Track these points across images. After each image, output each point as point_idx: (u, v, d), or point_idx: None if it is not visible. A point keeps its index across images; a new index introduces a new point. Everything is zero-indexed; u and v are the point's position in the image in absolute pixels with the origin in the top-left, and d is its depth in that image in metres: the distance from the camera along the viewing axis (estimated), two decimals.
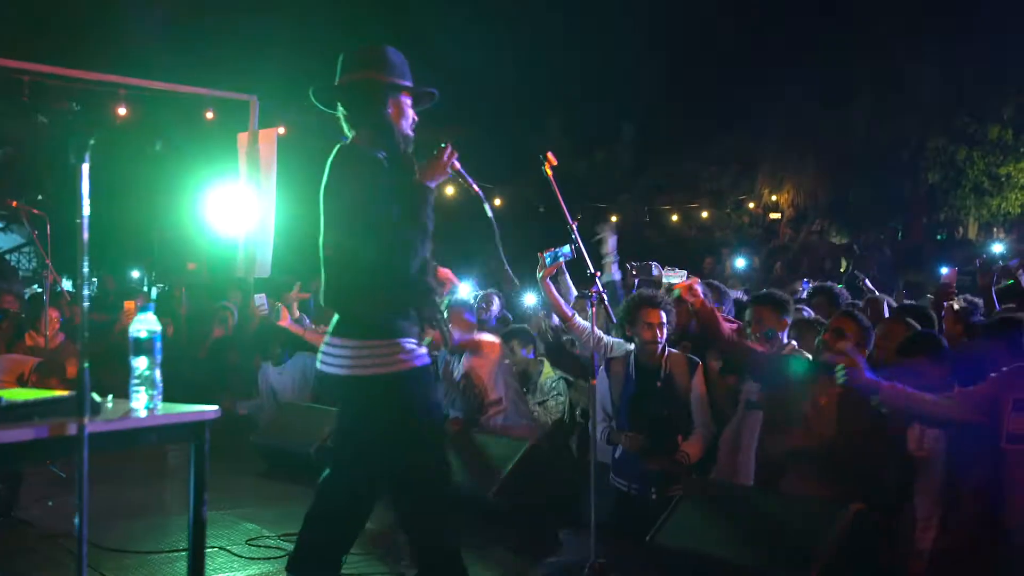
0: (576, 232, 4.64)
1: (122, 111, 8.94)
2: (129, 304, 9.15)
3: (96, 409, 2.58)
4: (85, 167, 2.43)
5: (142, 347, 2.75)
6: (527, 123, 19.84)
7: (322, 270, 3.69)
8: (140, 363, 2.76)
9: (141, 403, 2.77)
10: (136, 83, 9.00)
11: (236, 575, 4.69)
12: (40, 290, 9.79)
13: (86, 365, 2.38)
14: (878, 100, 16.71)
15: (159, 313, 9.31)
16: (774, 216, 18.16)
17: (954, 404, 3.90)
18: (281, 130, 9.45)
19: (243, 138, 9.12)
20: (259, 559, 4.94)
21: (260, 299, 8.58)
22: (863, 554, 4.03)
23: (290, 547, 5.09)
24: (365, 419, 3.64)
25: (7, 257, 19.90)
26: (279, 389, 8.41)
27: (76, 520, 2.40)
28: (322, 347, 3.68)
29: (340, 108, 3.82)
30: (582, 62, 19.91)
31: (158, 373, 2.80)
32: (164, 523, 5.61)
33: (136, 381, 2.77)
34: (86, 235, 2.45)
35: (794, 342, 5.30)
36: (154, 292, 13.31)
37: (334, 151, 3.71)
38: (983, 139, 15.58)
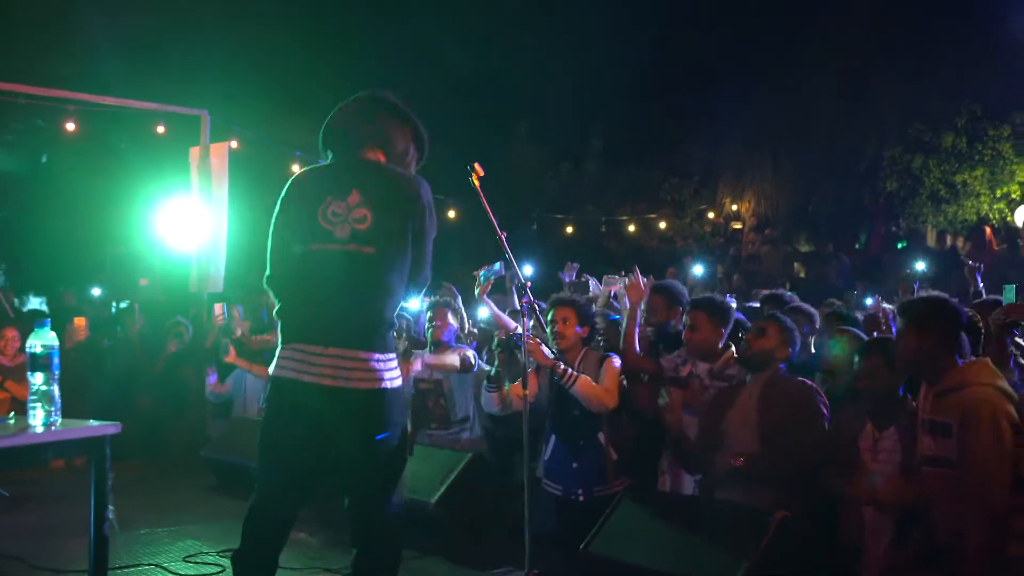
0: (506, 243, 4.66)
1: (71, 126, 8.89)
2: (79, 320, 9.12)
3: None
4: None
5: (38, 363, 2.74)
6: (492, 135, 19.87)
7: (365, 280, 3.51)
8: (37, 379, 2.74)
9: (39, 419, 2.75)
10: (86, 98, 8.94)
11: None
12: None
13: None
14: (836, 109, 16.88)
15: (122, 329, 9.22)
16: (735, 226, 18.29)
17: None
18: (233, 144, 9.42)
19: (195, 152, 9.10)
20: (194, 575, 4.91)
21: (220, 308, 8.57)
22: (792, 562, 4.04)
23: (228, 563, 5.09)
24: (381, 429, 3.50)
25: None
26: (252, 392, 8.31)
27: None
28: (333, 363, 3.41)
29: (384, 136, 3.74)
30: (547, 73, 19.97)
31: (56, 389, 2.78)
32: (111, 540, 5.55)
33: (33, 397, 2.75)
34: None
35: (732, 347, 5.32)
36: (113, 308, 13.24)
37: (404, 175, 3.69)
38: (938, 147, 15.76)
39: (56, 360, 2.76)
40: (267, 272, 3.59)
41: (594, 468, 5.21)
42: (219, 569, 5.01)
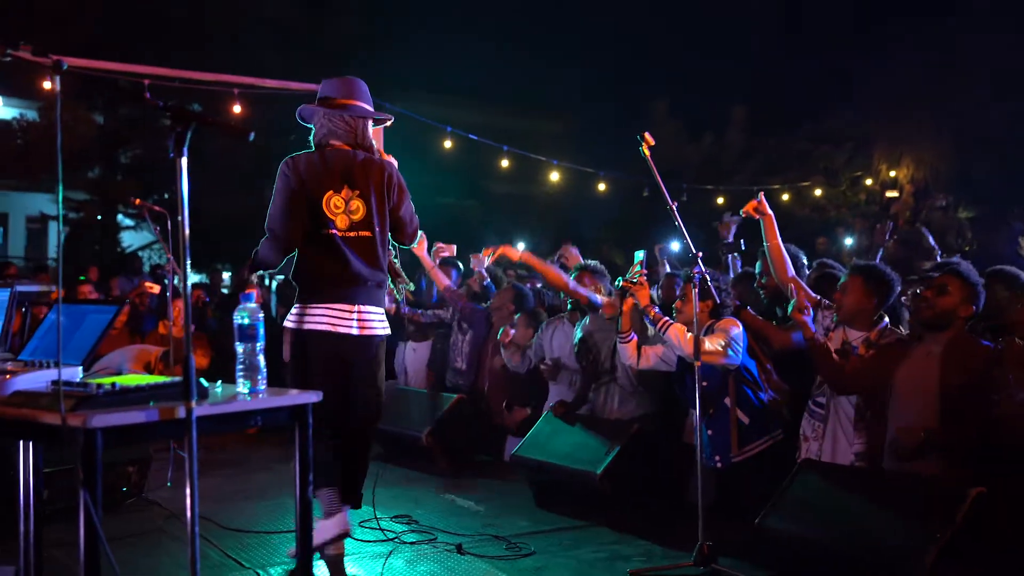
0: (676, 212, 4.60)
1: (237, 109, 9.22)
2: (250, 290, 9.52)
3: (203, 393, 2.69)
4: (184, 160, 2.52)
5: (245, 333, 2.86)
6: (633, 107, 19.72)
7: (366, 256, 4.46)
8: (243, 348, 2.86)
9: (247, 387, 2.88)
10: (249, 82, 9.25)
11: (349, 556, 4.80)
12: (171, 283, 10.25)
13: (191, 353, 2.48)
14: (1000, 65, 15.90)
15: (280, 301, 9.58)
16: (891, 194, 17.47)
17: None
18: (388, 122, 9.54)
19: None
20: (372, 541, 5.07)
21: None
22: (984, 539, 3.87)
23: (401, 528, 5.26)
24: (378, 359, 4.65)
25: (139, 254, 20.89)
26: (412, 369, 8.55)
27: (188, 500, 2.48)
28: (366, 317, 4.45)
29: (351, 127, 4.57)
30: (688, 43, 19.64)
31: (262, 358, 2.90)
32: (286, 504, 5.81)
33: (241, 367, 2.88)
34: (187, 229, 2.54)
35: (886, 318, 5.10)
36: (267, 281, 13.75)
37: (385, 159, 4.66)
38: None
39: (261, 331, 2.87)
40: (284, 242, 4.41)
41: (727, 434, 5.27)
42: (393, 535, 5.16)
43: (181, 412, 2.52)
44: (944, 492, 3.96)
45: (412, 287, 5.34)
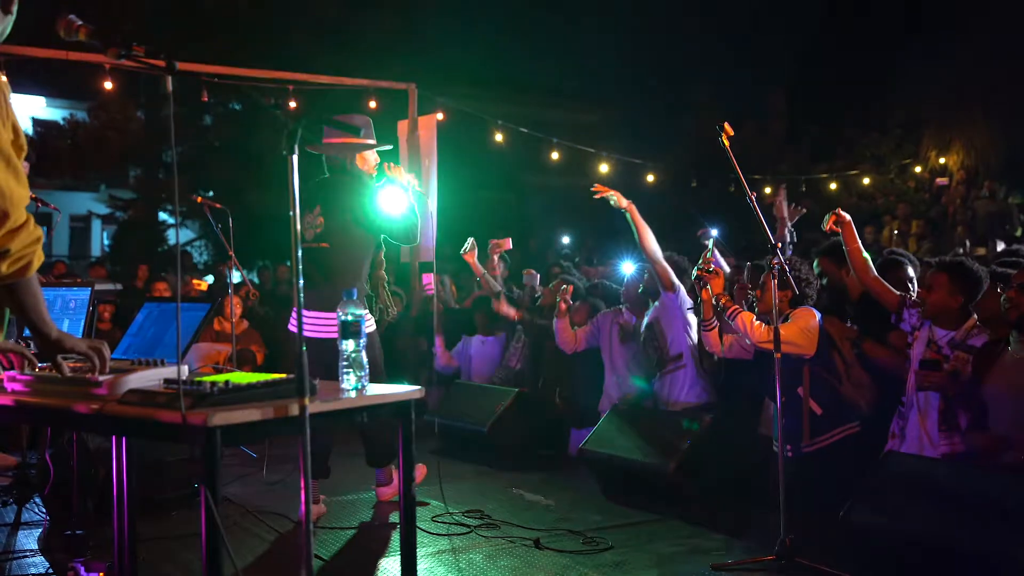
0: (755, 202, 4.56)
1: (292, 105, 9.24)
2: None
3: (313, 391, 2.70)
4: (294, 158, 2.52)
5: (348, 330, 2.85)
6: (675, 96, 19.55)
7: (326, 265, 5.16)
8: (347, 345, 2.86)
9: (350, 384, 2.88)
10: (303, 78, 9.27)
11: (427, 549, 4.81)
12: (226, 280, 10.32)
13: (303, 349, 2.48)
14: None
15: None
16: (941, 181, 17.16)
17: None
18: (439, 116, 9.53)
19: (403, 125, 9.27)
20: (446, 535, 5.07)
21: (428, 279, 8.77)
22: None
23: (473, 523, 5.26)
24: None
25: (186, 250, 21.07)
26: (477, 361, 8.51)
27: (302, 496, 2.49)
28: (317, 322, 5.05)
29: (339, 160, 5.37)
30: (729, 28, 19.45)
31: (364, 355, 2.89)
32: (358, 500, 5.86)
33: (344, 363, 2.88)
34: (299, 225, 2.55)
35: (975, 316, 5.03)
36: None
37: (349, 183, 5.32)
38: None
39: (364, 328, 2.87)
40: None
41: (799, 424, 5.22)
42: (466, 529, 5.16)
43: (294, 409, 2.53)
44: None
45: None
